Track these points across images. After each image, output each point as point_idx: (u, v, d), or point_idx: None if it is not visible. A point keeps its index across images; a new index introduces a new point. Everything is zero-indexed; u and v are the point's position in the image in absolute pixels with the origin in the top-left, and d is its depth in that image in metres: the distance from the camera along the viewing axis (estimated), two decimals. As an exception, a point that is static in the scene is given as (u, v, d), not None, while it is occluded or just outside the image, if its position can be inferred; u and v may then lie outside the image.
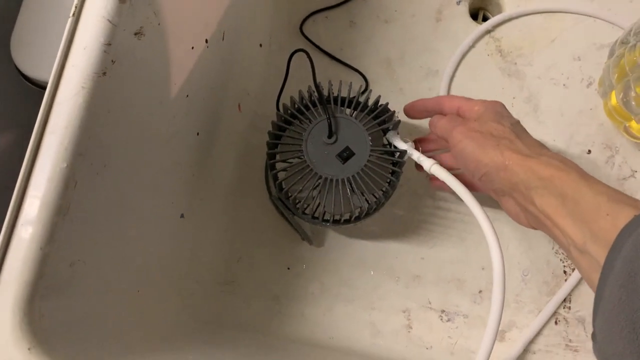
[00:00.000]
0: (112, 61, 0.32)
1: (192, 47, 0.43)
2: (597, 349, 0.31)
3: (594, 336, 0.32)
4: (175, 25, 0.39)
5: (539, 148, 0.41)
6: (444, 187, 0.49)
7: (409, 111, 0.52)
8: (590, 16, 0.60)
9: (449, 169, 0.47)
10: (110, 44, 0.32)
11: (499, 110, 0.45)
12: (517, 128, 0.43)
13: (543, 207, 0.36)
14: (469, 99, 0.47)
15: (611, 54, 0.53)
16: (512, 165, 0.39)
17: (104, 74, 0.32)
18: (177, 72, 0.41)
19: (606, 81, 0.53)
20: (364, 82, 0.60)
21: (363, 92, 0.60)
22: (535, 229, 0.42)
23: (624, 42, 0.51)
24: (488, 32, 0.61)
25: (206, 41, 0.45)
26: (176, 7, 0.39)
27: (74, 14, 0.32)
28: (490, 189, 0.44)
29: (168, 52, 0.39)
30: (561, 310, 0.55)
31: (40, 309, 0.30)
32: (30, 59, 0.57)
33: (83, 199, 0.32)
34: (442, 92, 0.59)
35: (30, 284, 0.29)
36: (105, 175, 0.34)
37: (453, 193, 0.46)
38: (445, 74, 0.60)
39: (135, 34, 0.34)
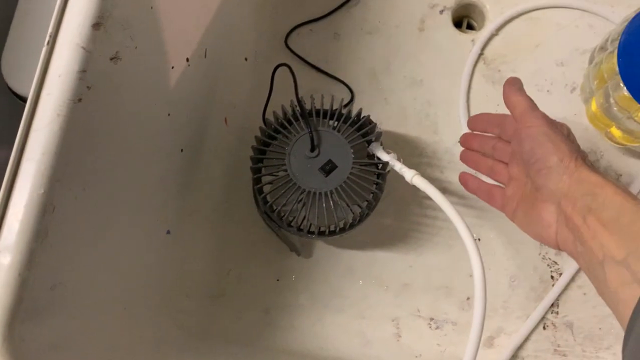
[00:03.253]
0: (88, 87, 0.33)
1: (172, 67, 0.43)
2: None
3: None
4: (153, 47, 0.40)
5: (604, 174, 0.41)
6: (477, 192, 0.50)
7: (472, 122, 0.52)
8: (581, 9, 0.60)
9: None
10: (85, 71, 0.33)
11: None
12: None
13: (592, 219, 0.37)
14: None
15: (591, 61, 0.53)
16: (580, 173, 0.39)
17: (80, 100, 0.33)
18: (157, 93, 0.42)
19: (587, 87, 0.53)
20: (350, 94, 0.61)
21: (347, 104, 0.60)
22: (559, 248, 0.41)
23: (602, 48, 0.51)
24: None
25: (187, 60, 0.46)
26: (153, 29, 0.39)
27: (48, 43, 0.32)
28: (539, 185, 0.42)
29: (147, 74, 0.40)
30: (549, 316, 0.55)
31: (20, 334, 0.30)
32: (20, 76, 0.57)
33: (62, 223, 0.33)
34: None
35: (9, 308, 0.30)
36: (85, 198, 0.35)
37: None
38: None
39: (111, 59, 0.35)
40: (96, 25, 0.33)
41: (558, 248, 0.41)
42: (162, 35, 0.41)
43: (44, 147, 0.31)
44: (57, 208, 0.32)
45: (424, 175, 0.47)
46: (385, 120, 0.60)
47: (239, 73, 0.60)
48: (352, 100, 0.61)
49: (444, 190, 0.58)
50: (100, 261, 0.38)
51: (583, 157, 0.41)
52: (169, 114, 0.44)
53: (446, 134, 0.60)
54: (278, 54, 0.62)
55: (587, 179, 0.38)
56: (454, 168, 0.59)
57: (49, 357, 0.33)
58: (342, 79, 0.61)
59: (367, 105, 0.61)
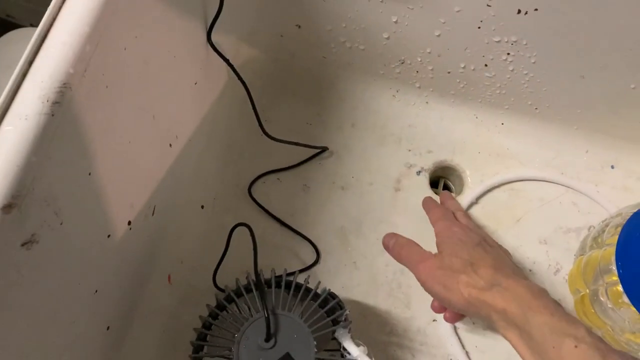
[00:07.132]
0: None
1: (109, 236, 0.36)
2: None
3: None
4: (84, 219, 0.33)
5: (493, 276, 0.42)
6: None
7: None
8: (565, 186, 0.58)
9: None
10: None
11: (456, 240, 0.46)
12: (475, 255, 0.44)
13: (507, 337, 0.40)
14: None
15: (583, 251, 0.49)
16: (473, 301, 0.41)
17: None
18: (82, 272, 0.34)
19: (577, 281, 0.48)
20: (315, 253, 0.54)
21: (312, 266, 0.53)
22: None
23: (597, 240, 0.47)
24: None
25: (129, 223, 0.38)
26: (88, 199, 0.32)
27: None
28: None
29: (72, 253, 0.32)
30: None
31: None
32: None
33: None
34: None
35: None
36: None
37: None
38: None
39: (24, 244, 0.27)
40: (7, 208, 0.26)
41: None
42: (99, 204, 0.33)
43: None
44: None
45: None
46: (352, 287, 0.53)
47: (192, 222, 0.52)
48: (317, 261, 0.54)
49: (415, 379, 0.50)
50: None
51: (466, 280, 0.42)
52: (96, 291, 0.36)
53: (419, 309, 0.53)
54: (239, 202, 0.55)
55: (479, 303, 0.41)
56: (427, 352, 0.51)
57: None
58: (308, 235, 0.55)
59: (333, 268, 0.54)
